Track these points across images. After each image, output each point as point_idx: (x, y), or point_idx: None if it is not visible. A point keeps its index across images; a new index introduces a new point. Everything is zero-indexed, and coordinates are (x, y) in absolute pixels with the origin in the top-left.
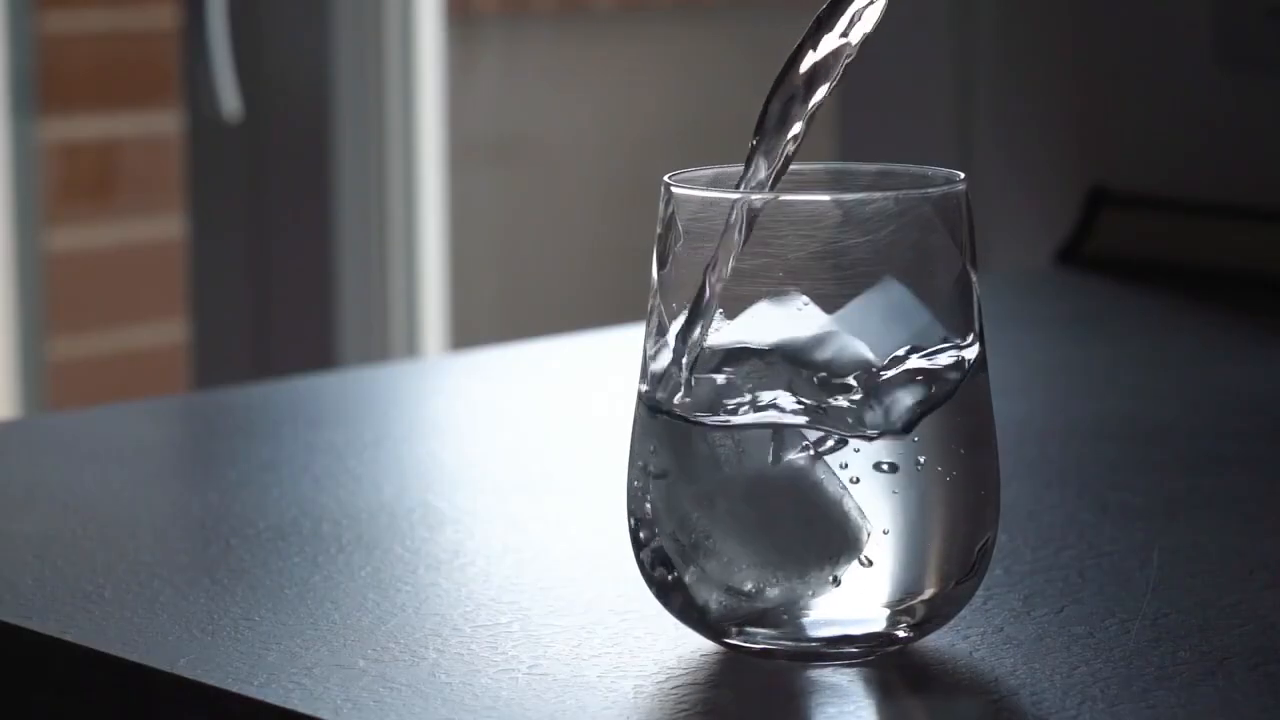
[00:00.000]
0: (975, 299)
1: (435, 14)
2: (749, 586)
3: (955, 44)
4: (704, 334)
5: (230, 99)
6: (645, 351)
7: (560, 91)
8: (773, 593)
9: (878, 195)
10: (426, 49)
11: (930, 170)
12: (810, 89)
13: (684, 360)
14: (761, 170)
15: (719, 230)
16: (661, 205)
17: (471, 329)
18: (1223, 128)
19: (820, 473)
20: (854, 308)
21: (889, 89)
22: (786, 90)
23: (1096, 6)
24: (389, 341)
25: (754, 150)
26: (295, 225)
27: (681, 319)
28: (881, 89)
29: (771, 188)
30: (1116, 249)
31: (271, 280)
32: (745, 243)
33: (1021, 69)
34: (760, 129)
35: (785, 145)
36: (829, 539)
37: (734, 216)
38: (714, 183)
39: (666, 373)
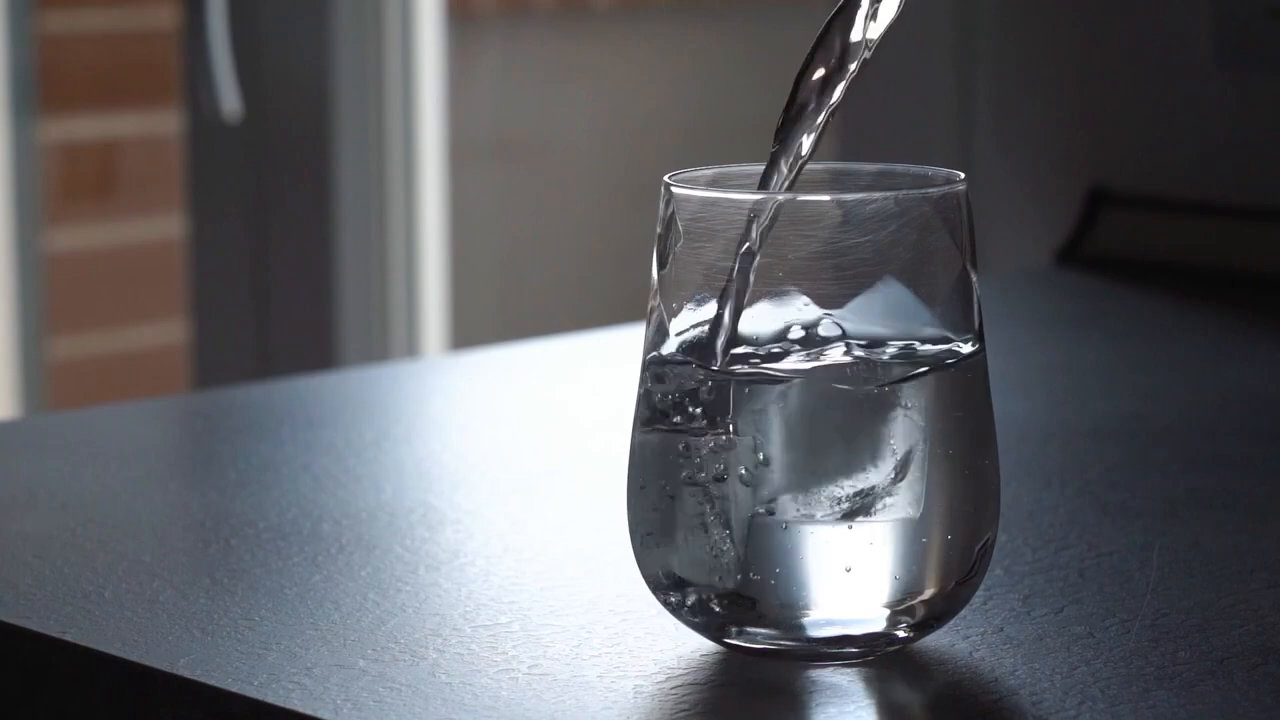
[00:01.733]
0: (975, 299)
1: (435, 14)
2: (875, 483)
3: (955, 44)
4: (735, 319)
5: (230, 99)
6: (645, 352)
7: (560, 91)
8: (885, 479)
9: (878, 195)
10: (426, 49)
11: (930, 170)
12: (829, 84)
13: (718, 344)
14: (783, 167)
15: (719, 230)
16: (661, 205)
17: (471, 329)
18: (1223, 128)
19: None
20: (854, 308)
21: (889, 89)
22: (809, 85)
23: (1096, 7)
24: (389, 341)
25: (780, 148)
26: (295, 225)
27: (688, 313)
28: (881, 89)
29: (790, 185)
30: (1116, 249)
31: (271, 280)
32: (761, 239)
33: (1021, 69)
34: (786, 123)
35: (814, 134)
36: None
37: (766, 212)
38: (714, 183)
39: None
